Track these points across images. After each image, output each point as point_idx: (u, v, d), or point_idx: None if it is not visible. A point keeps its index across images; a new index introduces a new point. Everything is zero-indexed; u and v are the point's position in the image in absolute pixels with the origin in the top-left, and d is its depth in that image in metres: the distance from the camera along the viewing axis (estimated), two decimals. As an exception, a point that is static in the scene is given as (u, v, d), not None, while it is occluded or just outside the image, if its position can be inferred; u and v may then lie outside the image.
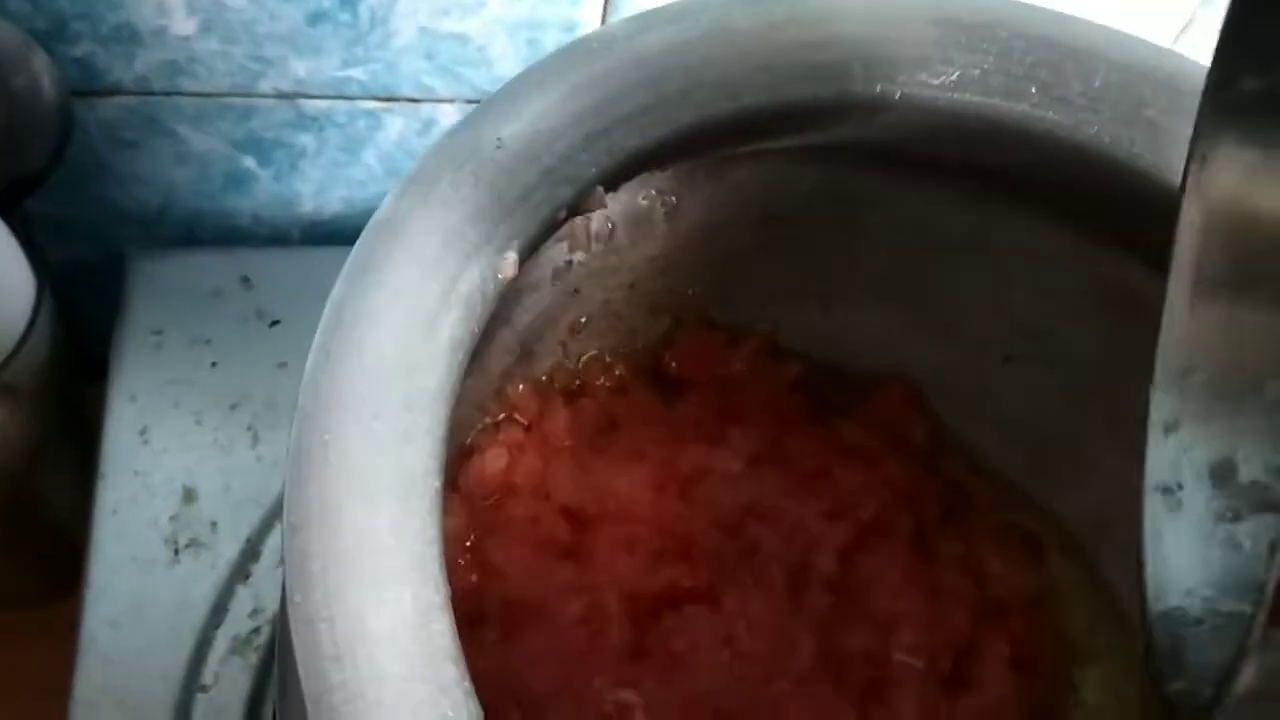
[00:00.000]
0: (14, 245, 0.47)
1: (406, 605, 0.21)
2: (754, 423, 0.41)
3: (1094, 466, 0.42)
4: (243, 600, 0.43)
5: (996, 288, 0.41)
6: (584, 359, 0.42)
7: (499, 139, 0.27)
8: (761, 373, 0.43)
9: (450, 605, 0.22)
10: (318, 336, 0.24)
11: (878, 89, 0.32)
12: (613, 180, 0.29)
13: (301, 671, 0.20)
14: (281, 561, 0.44)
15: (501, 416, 0.40)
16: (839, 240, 0.41)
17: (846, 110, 0.33)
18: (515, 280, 0.37)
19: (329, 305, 0.24)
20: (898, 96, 0.32)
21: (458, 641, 0.21)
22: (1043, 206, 0.38)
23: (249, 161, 0.56)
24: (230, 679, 0.42)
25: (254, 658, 0.42)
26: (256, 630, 0.43)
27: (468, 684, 0.21)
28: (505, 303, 0.37)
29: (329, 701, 0.20)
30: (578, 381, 0.42)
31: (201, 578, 0.44)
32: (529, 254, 0.27)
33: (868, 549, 0.40)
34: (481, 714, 0.20)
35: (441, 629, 0.21)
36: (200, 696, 0.41)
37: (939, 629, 0.39)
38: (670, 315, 0.42)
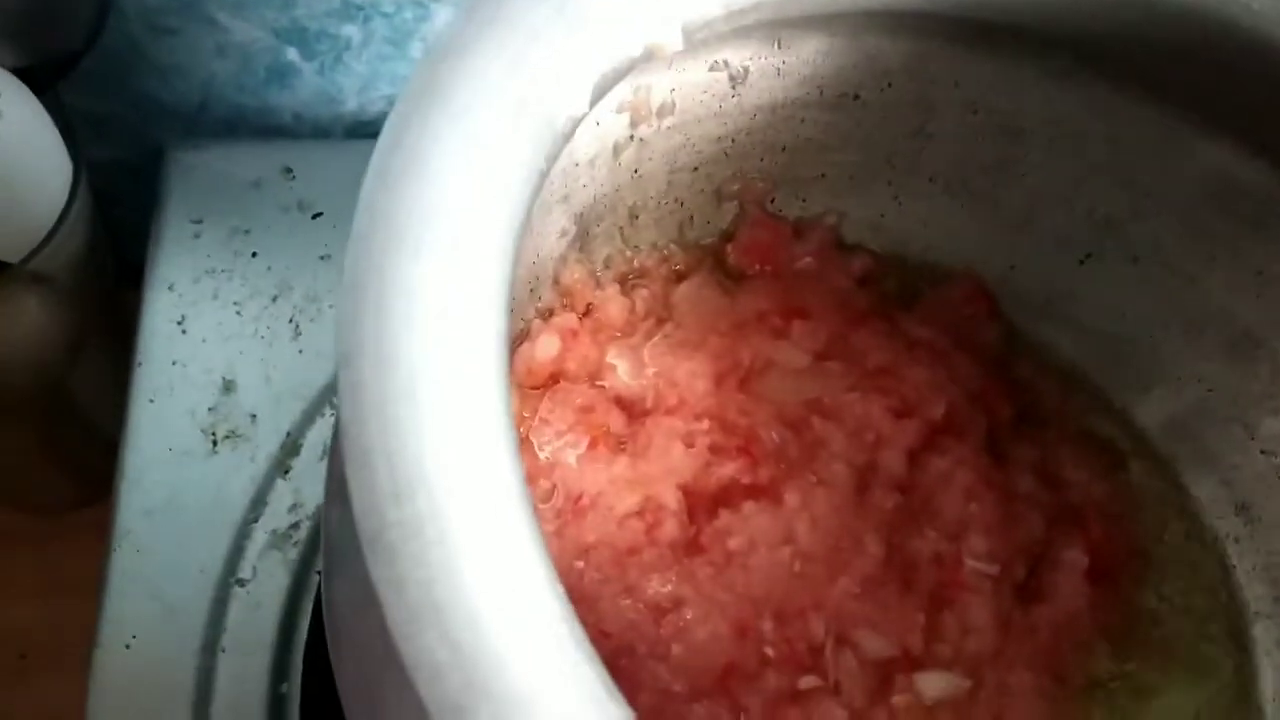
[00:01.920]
0: (49, 125, 0.45)
1: (469, 442, 0.19)
2: (819, 317, 0.39)
3: (1176, 372, 0.40)
4: (282, 494, 0.42)
5: (1078, 179, 0.39)
6: (642, 248, 0.40)
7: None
8: (827, 266, 0.41)
9: (516, 448, 0.20)
10: (374, 160, 0.22)
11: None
12: (691, 27, 0.26)
13: (357, 509, 0.19)
14: (324, 454, 0.43)
15: (555, 303, 0.38)
16: (914, 124, 0.39)
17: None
18: (575, 151, 0.35)
19: (387, 128, 0.22)
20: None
21: (524, 482, 0.19)
22: (1139, 86, 0.35)
23: (292, 53, 0.54)
24: (269, 573, 0.40)
25: (293, 553, 0.41)
26: (296, 525, 0.41)
27: (533, 521, 0.19)
28: (564, 176, 0.35)
29: (386, 539, 0.18)
30: (635, 271, 0.40)
31: (240, 470, 0.42)
32: (600, 94, 0.25)
33: (937, 449, 0.38)
34: (547, 550, 0.19)
35: (506, 468, 0.19)
36: (238, 590, 0.40)
37: (1012, 535, 0.37)
38: (734, 203, 0.40)
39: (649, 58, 0.26)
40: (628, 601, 0.34)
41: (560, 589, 0.19)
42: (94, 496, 0.59)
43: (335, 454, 0.25)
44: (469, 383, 0.20)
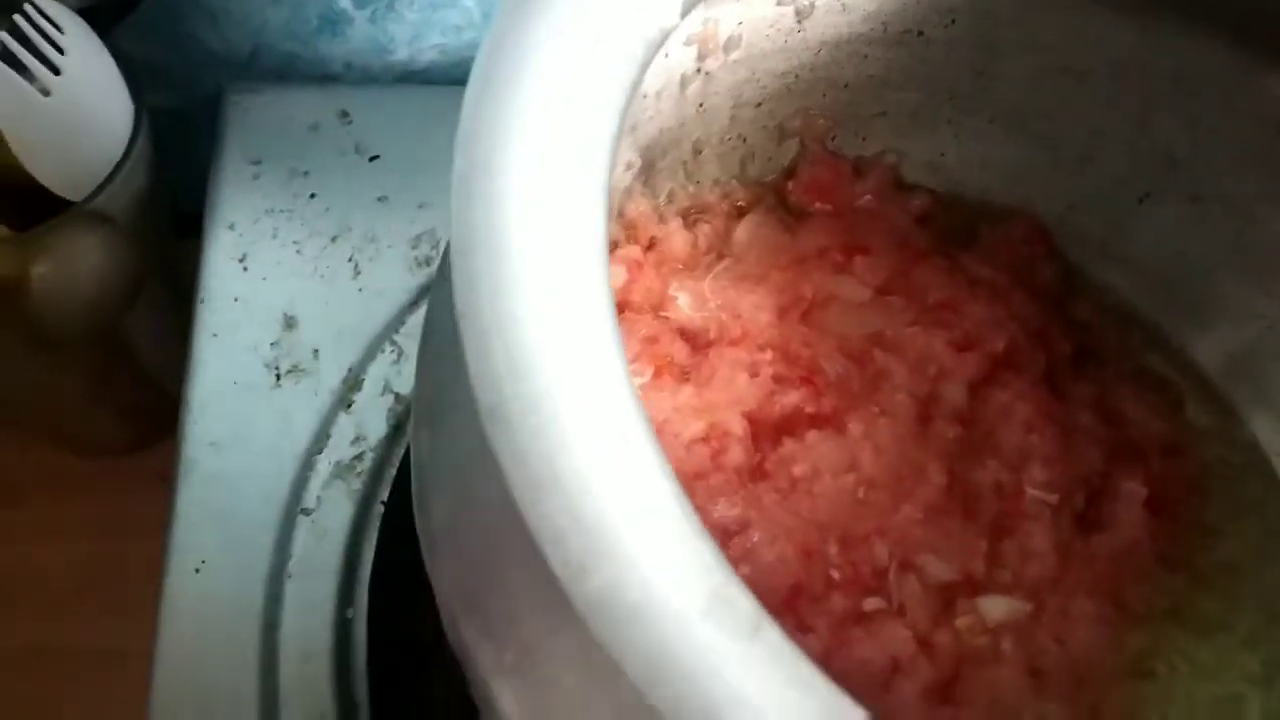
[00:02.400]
0: (111, 65, 0.45)
1: (578, 326, 0.20)
2: (879, 253, 0.40)
3: (1235, 310, 0.40)
4: (345, 428, 0.43)
5: (1140, 118, 0.39)
6: (704, 183, 0.40)
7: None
8: (887, 205, 0.41)
9: (619, 333, 0.20)
10: (477, 64, 0.22)
11: None
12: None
13: (476, 386, 0.19)
14: (384, 390, 0.44)
15: (619, 236, 0.38)
16: (976, 63, 0.39)
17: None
18: (643, 83, 0.36)
19: (488, 36, 0.22)
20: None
21: (627, 365, 0.20)
22: (1206, 21, 0.35)
23: (345, 2, 0.54)
24: (333, 503, 0.41)
25: (357, 484, 0.41)
26: (359, 457, 0.42)
27: (639, 403, 0.19)
28: (631, 108, 0.36)
29: (505, 412, 0.19)
30: (697, 206, 0.40)
31: (303, 403, 0.43)
32: (689, 8, 0.25)
33: (998, 383, 0.38)
34: (652, 429, 0.19)
35: (612, 352, 0.20)
36: (303, 519, 0.41)
37: (1072, 466, 0.37)
38: (795, 141, 0.40)
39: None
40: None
41: (667, 464, 0.19)
42: (147, 441, 0.60)
43: (430, 353, 0.26)
44: (575, 270, 0.20)
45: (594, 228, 0.21)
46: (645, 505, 0.19)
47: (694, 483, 0.35)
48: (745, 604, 0.19)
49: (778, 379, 0.37)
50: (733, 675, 0.18)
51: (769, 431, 0.37)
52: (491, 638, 0.23)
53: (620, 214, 0.38)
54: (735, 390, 0.37)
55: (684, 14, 0.25)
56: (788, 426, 0.37)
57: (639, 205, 0.38)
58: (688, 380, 0.37)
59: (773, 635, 0.18)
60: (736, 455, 0.36)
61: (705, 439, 0.36)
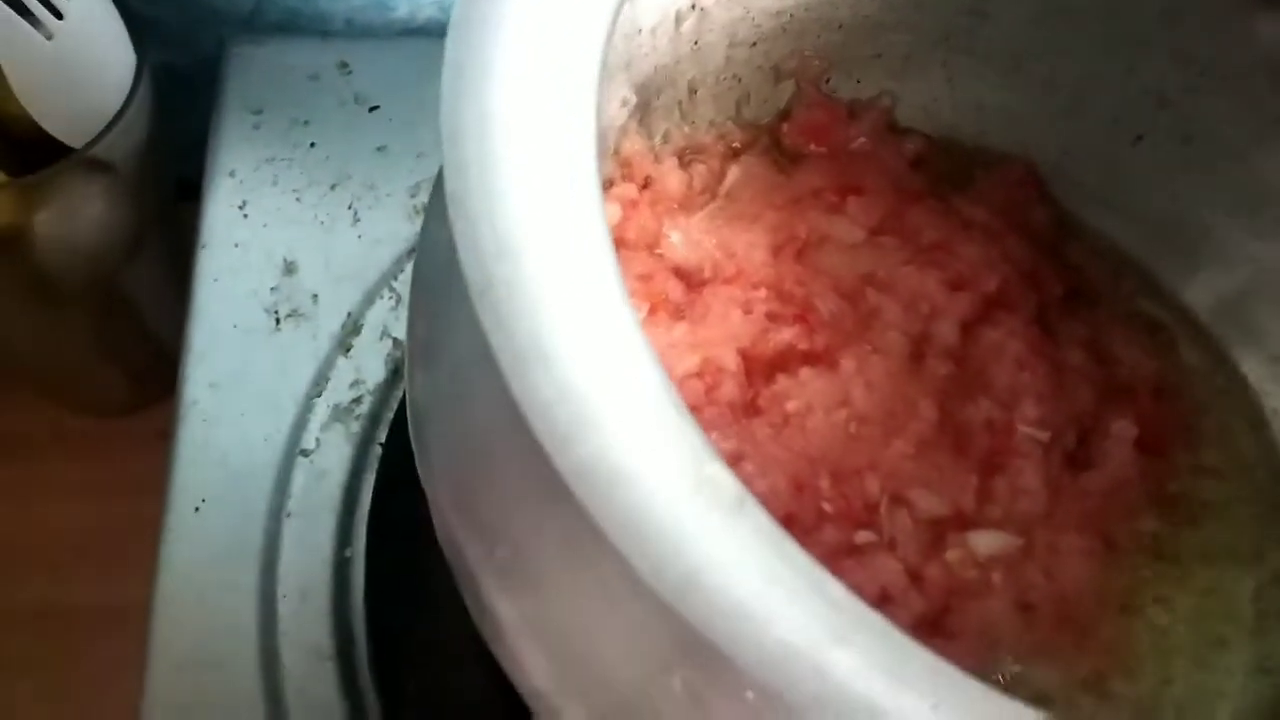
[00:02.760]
0: (114, 14, 0.46)
1: (565, 207, 0.20)
2: (874, 194, 0.40)
3: (1227, 251, 0.40)
4: (344, 371, 0.43)
5: (1133, 58, 0.39)
6: (700, 124, 0.40)
7: None
8: (880, 148, 0.41)
9: (605, 216, 0.21)
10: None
11: None
12: None
13: (465, 267, 0.19)
14: (383, 335, 0.44)
15: (614, 174, 0.38)
16: (970, 4, 0.39)
17: None
18: (638, 18, 0.36)
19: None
20: None
21: (613, 247, 0.20)
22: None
23: (345, -44, 0.54)
24: (332, 444, 0.41)
25: (355, 426, 0.42)
26: (358, 400, 0.42)
27: (622, 284, 0.20)
28: (627, 42, 0.36)
29: (494, 294, 0.19)
30: (692, 146, 0.40)
31: (302, 347, 0.43)
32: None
33: (990, 322, 0.38)
34: (638, 321, 0.20)
35: (598, 233, 0.20)
36: (302, 460, 0.41)
37: (1063, 404, 0.38)
38: (790, 82, 0.41)
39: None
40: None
41: (651, 349, 0.20)
42: (149, 400, 0.61)
43: (429, 244, 0.26)
44: (566, 155, 0.21)
45: (583, 114, 0.21)
46: (631, 382, 0.19)
47: (688, 416, 0.35)
48: (728, 481, 0.19)
49: (771, 316, 0.37)
50: (715, 541, 0.18)
51: (762, 368, 0.37)
52: (483, 536, 0.23)
53: (616, 152, 0.39)
54: (729, 327, 0.37)
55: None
56: (781, 363, 0.37)
57: (634, 144, 0.38)
58: (682, 318, 0.37)
59: (755, 511, 0.19)
60: (730, 390, 0.36)
61: (699, 374, 0.36)
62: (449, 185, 0.20)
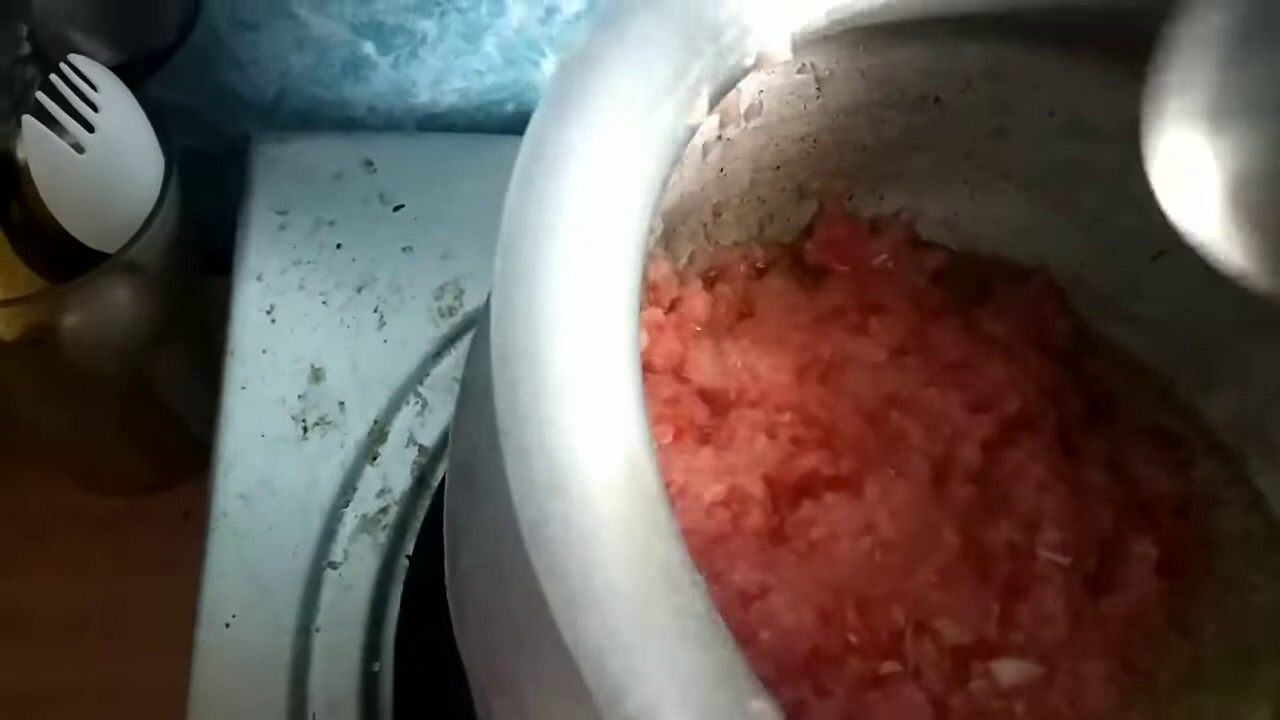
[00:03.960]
0: (144, 119, 0.46)
1: (617, 443, 0.21)
2: (895, 312, 0.40)
3: (1245, 369, 0.41)
4: (370, 480, 0.43)
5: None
6: (724, 244, 0.41)
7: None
8: (903, 263, 0.42)
9: (654, 449, 0.21)
10: (518, 168, 0.23)
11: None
12: (799, 37, 0.27)
13: (517, 499, 0.20)
14: (409, 442, 0.44)
15: (641, 299, 0.39)
16: (992, 125, 0.40)
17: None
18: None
19: (527, 139, 0.23)
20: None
21: (662, 479, 0.21)
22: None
23: (368, 48, 0.55)
24: (359, 556, 0.42)
25: (383, 537, 0.42)
26: (385, 510, 0.43)
27: (676, 527, 0.20)
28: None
29: (545, 533, 0.19)
30: (717, 267, 0.41)
31: (330, 456, 0.44)
32: (717, 100, 0.26)
33: (1012, 443, 0.39)
34: (688, 554, 0.20)
35: (648, 468, 0.21)
36: (330, 573, 0.41)
37: (1084, 527, 0.38)
38: (814, 201, 0.41)
39: (759, 66, 0.27)
40: (716, 588, 0.35)
41: (702, 582, 0.20)
42: (171, 481, 0.61)
43: (460, 436, 0.27)
44: (610, 382, 0.21)
45: (626, 336, 0.22)
46: (682, 625, 0.19)
47: (714, 546, 0.36)
48: (770, 716, 0.19)
49: (796, 440, 0.38)
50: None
51: (787, 493, 0.37)
52: (523, 717, 0.24)
53: (643, 276, 0.39)
54: (755, 452, 0.37)
55: (712, 109, 0.26)
56: (806, 488, 0.37)
57: (660, 268, 0.39)
58: (708, 442, 0.38)
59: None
60: (756, 518, 0.36)
61: (725, 502, 0.37)
62: (499, 411, 0.20)
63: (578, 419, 0.20)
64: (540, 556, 0.19)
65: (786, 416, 0.38)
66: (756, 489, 0.37)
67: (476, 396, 0.28)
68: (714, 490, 0.37)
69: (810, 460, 0.37)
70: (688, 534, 0.36)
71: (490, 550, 0.24)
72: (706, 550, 0.36)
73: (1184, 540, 0.39)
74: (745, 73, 0.27)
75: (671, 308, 0.39)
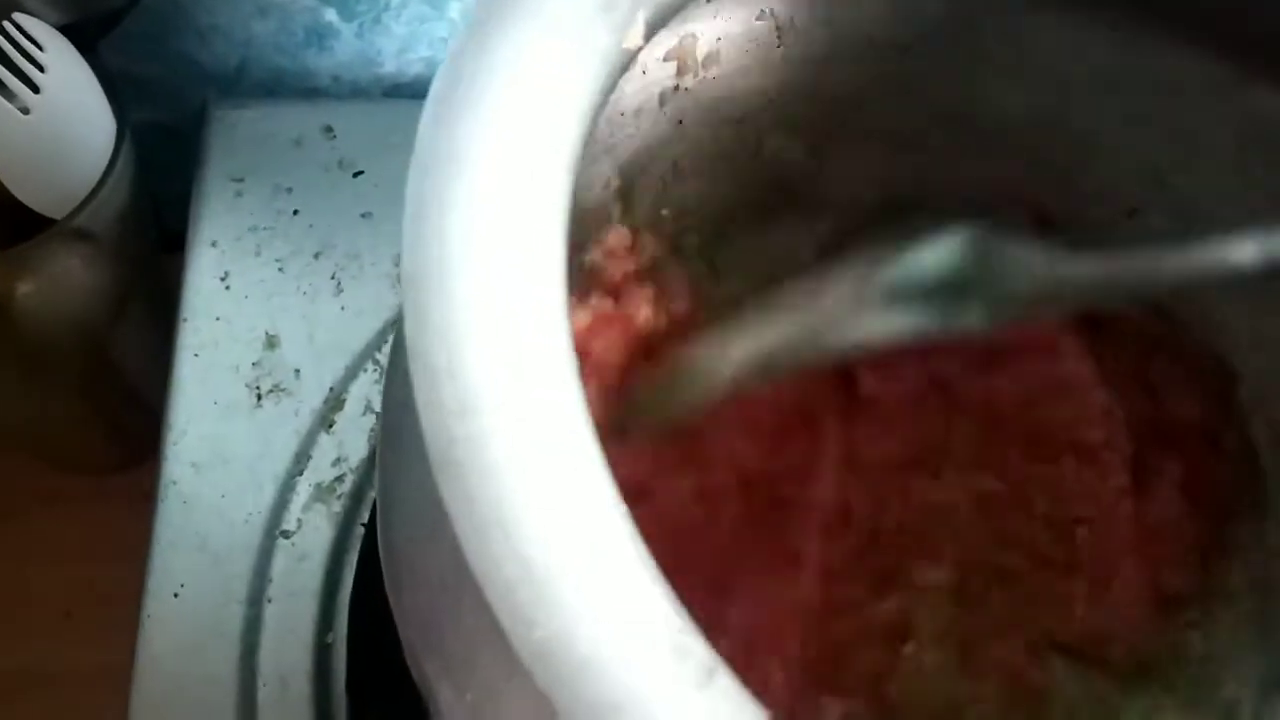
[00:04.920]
0: (94, 81, 0.45)
1: (531, 361, 0.19)
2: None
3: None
4: (326, 448, 0.42)
5: (1127, 132, 0.38)
6: (687, 200, 0.40)
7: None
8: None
9: (576, 366, 0.20)
10: (434, 88, 0.22)
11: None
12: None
13: (424, 426, 0.19)
14: (366, 409, 0.43)
15: (600, 261, 0.38)
16: (961, 78, 0.39)
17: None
18: (621, 101, 0.35)
19: (447, 59, 0.22)
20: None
21: (584, 401, 0.19)
22: (1194, 34, 0.35)
23: (331, 14, 0.54)
24: (313, 526, 0.41)
25: (337, 506, 0.41)
26: (340, 479, 0.42)
27: (597, 448, 0.19)
28: (610, 126, 0.35)
29: (454, 455, 0.18)
30: (679, 226, 0.40)
31: (284, 424, 0.42)
32: (656, 26, 0.25)
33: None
34: (609, 469, 0.19)
35: (568, 388, 0.19)
36: (283, 542, 0.40)
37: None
38: (778, 157, 0.40)
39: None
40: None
41: (623, 508, 0.19)
42: (136, 459, 0.60)
43: (394, 379, 0.26)
44: (531, 305, 0.20)
45: (552, 260, 0.21)
46: (599, 552, 0.18)
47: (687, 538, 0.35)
48: (699, 652, 0.18)
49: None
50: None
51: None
52: (452, 678, 0.23)
53: (598, 240, 0.38)
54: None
55: (648, 36, 0.25)
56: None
57: (619, 235, 0.38)
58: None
59: (726, 683, 0.18)
60: (731, 511, 0.35)
61: (699, 497, 0.36)
62: (409, 338, 0.19)
63: (493, 341, 0.19)
64: (448, 484, 0.18)
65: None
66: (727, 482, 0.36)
67: (403, 354, 0.27)
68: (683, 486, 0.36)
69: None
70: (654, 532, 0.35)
71: (415, 507, 0.23)
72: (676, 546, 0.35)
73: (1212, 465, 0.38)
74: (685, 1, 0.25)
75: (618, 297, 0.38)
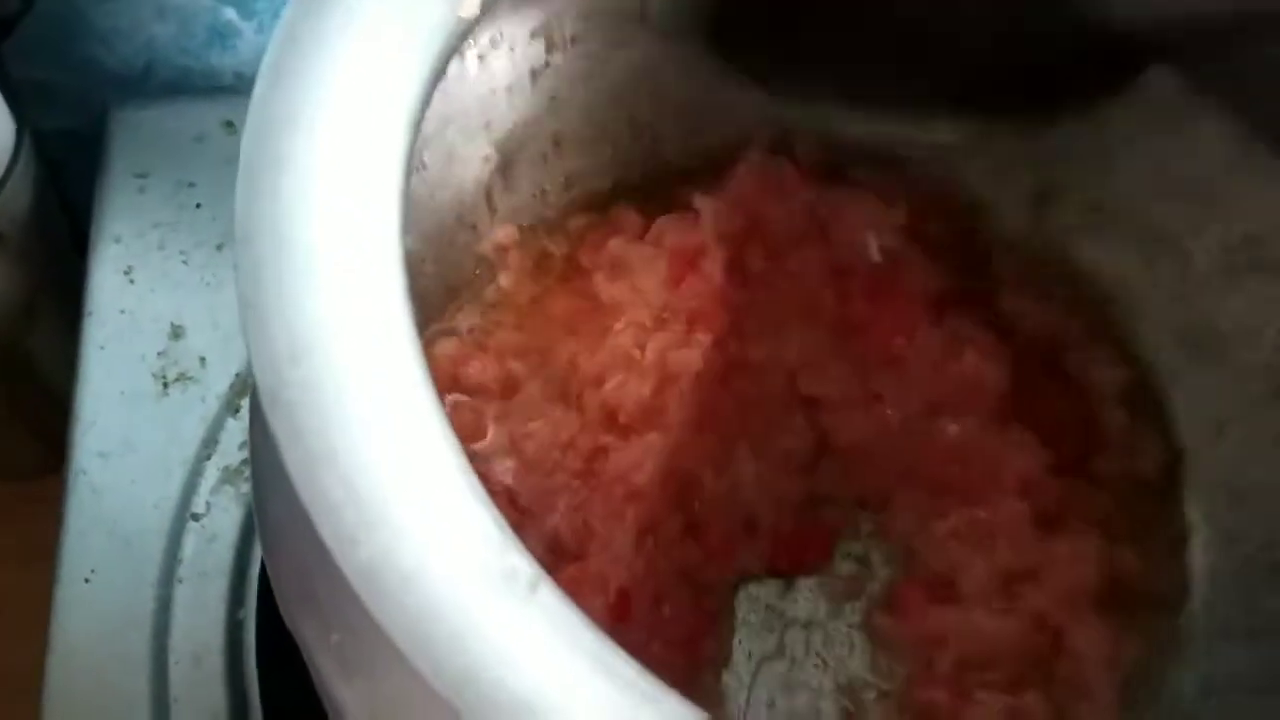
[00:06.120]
0: (-11, 84, 0.46)
1: (368, 311, 0.21)
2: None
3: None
4: (233, 433, 0.43)
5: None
6: (567, 176, 0.41)
7: None
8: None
9: (412, 318, 0.21)
10: (267, 58, 0.23)
11: None
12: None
13: (257, 372, 0.20)
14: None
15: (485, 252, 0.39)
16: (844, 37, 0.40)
17: None
18: (493, 78, 0.36)
19: (280, 25, 0.23)
20: None
21: (420, 347, 0.21)
22: None
23: (230, 13, 0.54)
24: (222, 508, 0.42)
25: (246, 488, 0.42)
26: (247, 461, 0.42)
27: (428, 379, 0.20)
28: (482, 103, 0.37)
29: (285, 397, 0.19)
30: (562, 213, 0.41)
31: (191, 410, 0.43)
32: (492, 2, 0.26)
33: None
34: (441, 404, 0.20)
35: (403, 334, 0.21)
36: (192, 524, 0.41)
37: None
38: (650, 131, 0.41)
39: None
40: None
41: (455, 440, 0.20)
42: (57, 463, 0.60)
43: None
44: (363, 253, 0.21)
45: (387, 213, 0.22)
46: (425, 474, 0.19)
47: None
48: (523, 567, 0.19)
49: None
50: (500, 634, 0.18)
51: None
52: (320, 620, 0.24)
53: (482, 211, 0.39)
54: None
55: (484, 8, 0.26)
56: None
57: (501, 211, 0.39)
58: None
59: (548, 596, 0.19)
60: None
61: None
62: (241, 288, 0.20)
63: (324, 290, 0.20)
64: (279, 422, 0.19)
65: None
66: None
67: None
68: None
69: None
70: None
71: (275, 467, 0.24)
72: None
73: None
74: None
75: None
